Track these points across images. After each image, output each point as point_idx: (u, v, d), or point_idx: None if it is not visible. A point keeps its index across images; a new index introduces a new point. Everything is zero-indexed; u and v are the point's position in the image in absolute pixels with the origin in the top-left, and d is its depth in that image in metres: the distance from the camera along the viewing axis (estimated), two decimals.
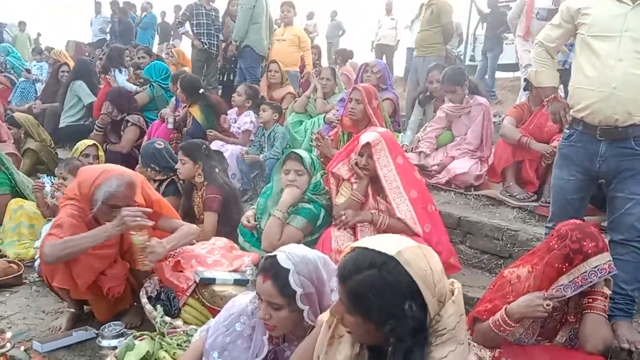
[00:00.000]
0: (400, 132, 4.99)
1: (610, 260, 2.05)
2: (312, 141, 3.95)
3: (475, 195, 3.92)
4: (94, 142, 4.46)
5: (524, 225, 3.46)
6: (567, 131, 2.67)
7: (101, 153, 4.44)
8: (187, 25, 6.84)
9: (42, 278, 3.02)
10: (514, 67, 11.74)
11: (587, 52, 2.49)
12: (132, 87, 6.30)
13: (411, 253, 1.34)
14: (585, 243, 2.02)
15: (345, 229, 2.91)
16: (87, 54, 10.66)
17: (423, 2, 6.59)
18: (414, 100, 5.20)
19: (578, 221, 2.21)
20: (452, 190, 4.01)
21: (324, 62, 9.84)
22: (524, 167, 3.79)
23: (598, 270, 2.02)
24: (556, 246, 2.09)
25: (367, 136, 2.97)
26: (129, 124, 5.44)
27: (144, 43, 11.19)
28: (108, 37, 12.22)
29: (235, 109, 5.17)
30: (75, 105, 6.24)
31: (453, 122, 4.38)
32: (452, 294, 1.38)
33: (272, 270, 1.74)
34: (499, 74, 11.40)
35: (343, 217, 2.90)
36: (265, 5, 6.47)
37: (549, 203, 2.87)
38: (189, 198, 3.73)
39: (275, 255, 1.77)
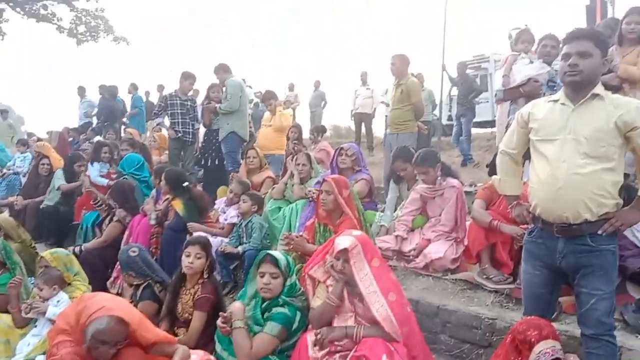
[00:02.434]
0: (376, 212, 5.07)
1: (554, 346, 2.14)
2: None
3: (453, 280, 3.94)
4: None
5: (502, 310, 3.47)
6: (530, 227, 2.75)
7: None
8: (164, 117, 7.11)
9: None
10: (490, 123, 12.16)
11: (537, 154, 2.61)
12: (103, 181, 6.42)
13: None
14: (529, 332, 2.15)
15: (321, 347, 2.90)
16: (71, 138, 10.83)
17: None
18: (389, 175, 5.32)
19: (531, 317, 2.29)
20: (430, 275, 4.03)
21: (306, 132, 10.09)
22: (497, 249, 3.84)
23: (542, 354, 2.09)
24: (508, 340, 2.20)
25: (343, 241, 3.03)
26: (113, 219, 5.46)
27: (134, 125, 11.46)
28: (94, 120, 12.46)
29: (224, 199, 5.24)
30: (54, 190, 6.56)
31: (427, 203, 4.46)
32: None
33: None
34: (475, 130, 11.73)
35: (318, 337, 2.91)
36: (246, 95, 6.98)
37: None
38: (176, 296, 3.65)
39: None
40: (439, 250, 4.07)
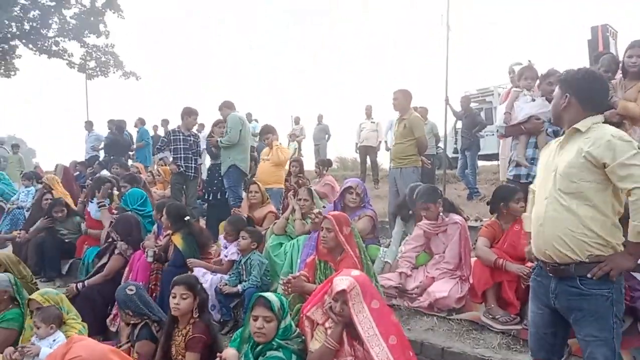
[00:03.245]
0: (379, 246, 4.97)
1: None
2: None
3: (458, 320, 3.82)
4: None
5: (509, 353, 3.34)
6: (534, 265, 2.69)
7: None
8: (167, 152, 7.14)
9: None
10: (496, 156, 12.09)
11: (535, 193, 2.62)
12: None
13: None
14: None
15: None
16: (78, 172, 10.88)
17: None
18: (395, 211, 5.24)
19: None
20: (435, 315, 3.91)
21: (311, 164, 10.09)
22: (504, 288, 3.73)
23: None
24: None
25: (342, 282, 2.95)
26: (115, 252, 5.41)
27: (141, 159, 11.54)
28: (102, 154, 12.56)
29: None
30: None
31: (431, 239, 4.38)
32: None
33: None
34: (481, 163, 11.65)
35: None
36: (249, 129, 7.01)
37: None
38: (169, 338, 3.56)
39: None
40: (443, 288, 3.96)
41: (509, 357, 3.27)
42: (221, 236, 5.31)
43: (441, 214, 4.26)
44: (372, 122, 11.22)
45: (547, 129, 4.46)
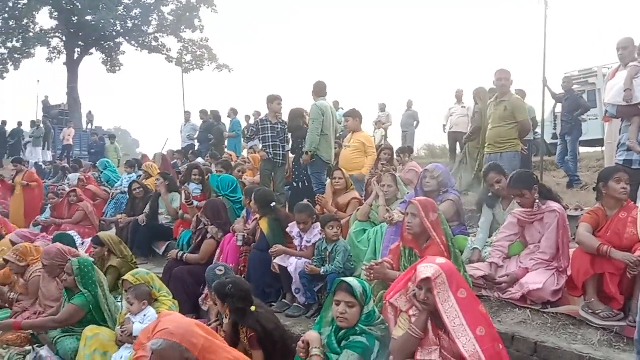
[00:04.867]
0: (467, 236, 4.77)
1: None
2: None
3: (553, 313, 3.56)
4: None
5: (611, 351, 3.07)
6: None
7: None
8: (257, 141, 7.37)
9: None
10: (600, 142, 11.19)
11: None
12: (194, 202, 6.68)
13: None
14: None
15: None
16: (175, 160, 11.52)
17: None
18: (482, 196, 5.00)
19: None
20: (528, 308, 3.67)
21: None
22: (605, 281, 3.41)
23: None
24: None
25: (426, 269, 2.83)
26: (207, 236, 5.65)
27: (231, 148, 12.05)
28: (196, 143, 13.23)
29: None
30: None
31: (525, 228, 4.11)
32: None
33: None
34: (583, 150, 10.82)
35: None
36: (332, 117, 6.99)
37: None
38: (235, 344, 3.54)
39: None
40: (539, 280, 3.69)
41: (610, 355, 3.00)
42: (292, 224, 5.19)
43: (537, 201, 3.98)
44: (462, 107, 10.77)
45: None
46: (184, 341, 2.56)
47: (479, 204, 4.91)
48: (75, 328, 4.22)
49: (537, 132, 10.14)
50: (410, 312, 2.93)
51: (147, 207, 7.21)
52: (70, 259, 4.36)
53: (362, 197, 5.87)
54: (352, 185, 5.90)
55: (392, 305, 3.04)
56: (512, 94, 5.99)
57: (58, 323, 4.25)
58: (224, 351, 2.72)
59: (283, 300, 4.84)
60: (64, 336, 4.19)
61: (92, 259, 4.73)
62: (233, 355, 2.74)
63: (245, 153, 11.57)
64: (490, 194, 4.67)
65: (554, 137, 11.07)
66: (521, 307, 3.71)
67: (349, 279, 3.15)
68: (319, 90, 7.15)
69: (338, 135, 7.83)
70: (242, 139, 12.97)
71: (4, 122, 19.81)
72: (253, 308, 3.55)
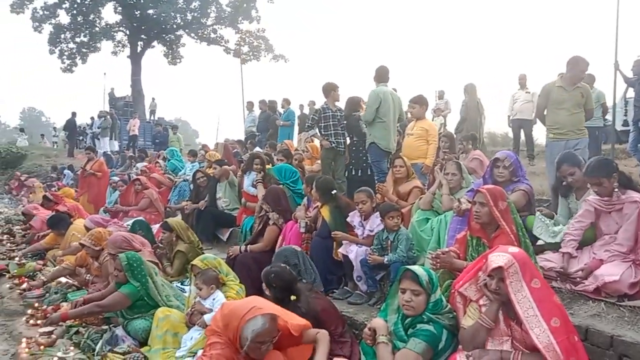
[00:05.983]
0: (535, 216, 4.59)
1: None
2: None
3: (631, 307, 3.38)
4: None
5: None
6: None
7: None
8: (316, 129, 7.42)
9: None
10: None
11: None
12: (255, 191, 6.83)
13: None
14: None
15: None
16: (235, 150, 11.75)
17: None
18: (555, 188, 4.83)
19: None
20: (603, 300, 3.50)
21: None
22: None
23: None
24: None
25: (498, 259, 2.76)
26: (270, 223, 5.73)
27: (284, 137, 12.19)
28: (256, 133, 13.47)
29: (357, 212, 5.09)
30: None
31: (601, 217, 3.92)
32: None
33: None
34: None
35: (470, 359, 2.69)
36: (393, 104, 6.86)
37: None
38: None
39: None
40: (615, 272, 3.51)
41: None
42: (352, 213, 5.12)
43: (616, 190, 3.78)
44: (526, 93, 10.34)
45: None
46: (274, 310, 2.79)
47: (554, 188, 4.80)
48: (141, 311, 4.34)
49: (607, 119, 9.62)
50: (481, 302, 2.87)
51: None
52: (118, 256, 4.42)
53: (424, 185, 5.78)
54: (413, 173, 5.81)
55: (461, 295, 2.99)
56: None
57: (102, 307, 4.37)
58: (295, 316, 2.95)
59: (345, 287, 4.86)
60: (135, 318, 4.37)
61: (138, 254, 4.65)
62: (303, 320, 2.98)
63: (301, 142, 11.66)
64: (563, 183, 4.48)
65: (625, 123, 10.47)
66: (595, 300, 3.55)
67: (414, 267, 3.12)
68: (381, 76, 7.02)
69: (404, 122, 7.64)
70: (297, 128, 13.09)
71: (74, 114, 20.89)
72: (293, 297, 3.62)
